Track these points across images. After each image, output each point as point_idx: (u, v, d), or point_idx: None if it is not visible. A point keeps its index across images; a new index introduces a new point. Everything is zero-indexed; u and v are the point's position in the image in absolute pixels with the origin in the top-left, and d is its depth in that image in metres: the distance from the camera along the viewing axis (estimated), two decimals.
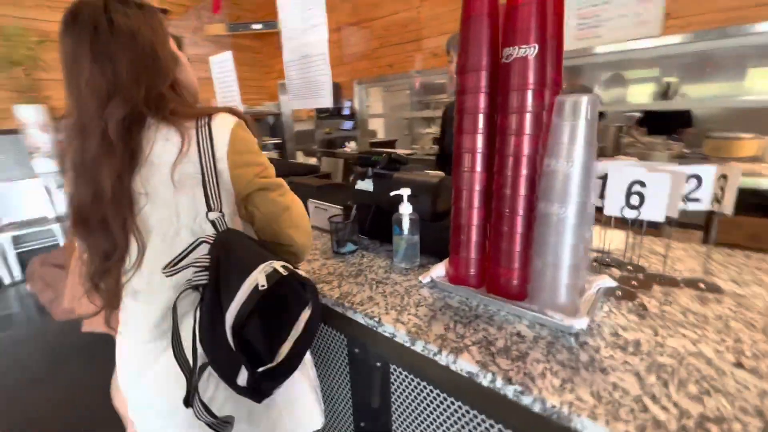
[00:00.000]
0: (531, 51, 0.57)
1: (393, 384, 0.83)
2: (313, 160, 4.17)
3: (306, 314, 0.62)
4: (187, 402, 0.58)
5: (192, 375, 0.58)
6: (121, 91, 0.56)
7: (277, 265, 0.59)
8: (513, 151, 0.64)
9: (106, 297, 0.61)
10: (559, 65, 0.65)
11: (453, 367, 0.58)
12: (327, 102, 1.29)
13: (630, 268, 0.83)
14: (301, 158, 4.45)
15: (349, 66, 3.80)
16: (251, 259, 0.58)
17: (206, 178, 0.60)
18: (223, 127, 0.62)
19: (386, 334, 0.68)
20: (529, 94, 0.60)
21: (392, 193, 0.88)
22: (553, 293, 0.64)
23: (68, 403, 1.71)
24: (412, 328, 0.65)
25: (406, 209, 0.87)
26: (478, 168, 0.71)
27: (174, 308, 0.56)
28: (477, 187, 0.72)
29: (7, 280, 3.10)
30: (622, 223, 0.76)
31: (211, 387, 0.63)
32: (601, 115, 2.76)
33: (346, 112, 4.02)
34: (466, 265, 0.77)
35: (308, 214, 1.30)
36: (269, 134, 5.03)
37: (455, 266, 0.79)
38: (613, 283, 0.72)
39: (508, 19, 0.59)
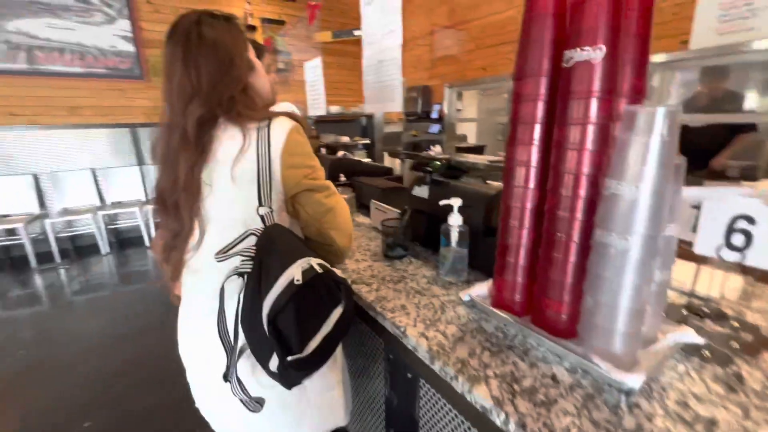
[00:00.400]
0: (597, 53, 0.49)
1: (422, 398, 0.81)
2: (397, 162, 4.25)
3: (337, 312, 0.64)
4: (226, 377, 0.64)
5: (232, 353, 0.64)
6: (201, 93, 0.64)
7: (314, 262, 0.63)
8: (571, 168, 0.56)
9: (172, 269, 0.71)
10: (642, 69, 0.54)
11: (468, 397, 0.54)
12: (398, 107, 1.30)
13: (735, 324, 0.66)
14: (386, 159, 4.58)
15: (441, 69, 3.76)
16: (291, 254, 0.62)
17: (260, 176, 0.66)
18: (280, 129, 0.68)
19: (409, 347, 0.66)
20: (593, 104, 0.52)
21: (441, 203, 0.84)
22: (604, 338, 0.54)
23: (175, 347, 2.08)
24: (434, 345, 0.62)
25: (455, 220, 0.83)
26: (532, 184, 0.64)
27: (221, 290, 0.63)
28: (529, 205, 0.65)
29: (147, 243, 3.89)
30: (736, 264, 0.61)
31: (249, 368, 0.68)
32: (753, 127, 2.21)
33: (434, 115, 3.99)
34: (510, 289, 0.70)
35: (369, 214, 1.34)
36: (360, 134, 5.29)
37: (498, 289, 0.72)
38: (699, 339, 0.58)
39: (573, 17, 0.52)
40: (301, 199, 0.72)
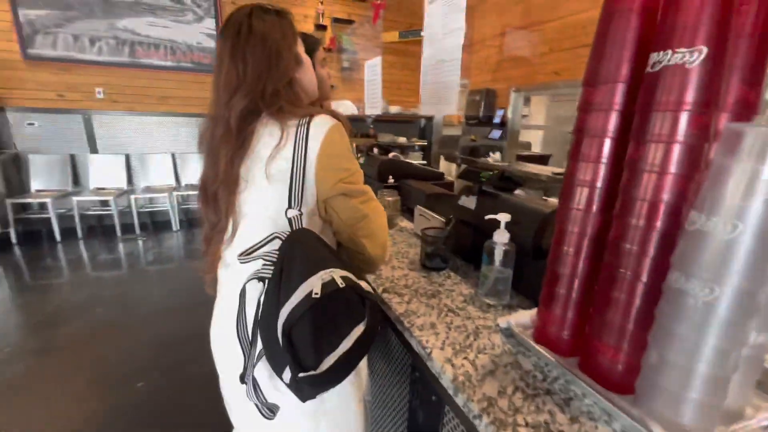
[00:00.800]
0: (693, 57, 0.40)
1: (446, 425, 0.75)
2: (453, 167, 4.13)
3: (359, 330, 0.58)
4: (242, 378, 0.63)
5: (249, 356, 0.63)
6: (245, 85, 0.64)
7: (338, 274, 0.58)
8: (646, 194, 0.47)
9: (208, 261, 0.73)
10: (757, 78, 0.43)
11: None
12: (452, 110, 1.23)
13: None
14: (442, 163, 4.48)
15: (508, 72, 3.57)
16: (314, 264, 0.58)
17: (294, 176, 0.64)
18: (319, 128, 0.65)
19: (433, 371, 0.61)
20: (683, 118, 0.42)
21: (487, 217, 0.77)
22: (670, 404, 0.45)
23: None
24: (460, 375, 0.56)
25: (500, 237, 0.76)
26: (594, 207, 0.55)
27: (242, 292, 0.62)
28: (588, 232, 0.56)
29: None
30: None
31: (268, 372, 0.66)
32: None
33: (496, 120, 3.81)
34: (558, 324, 0.62)
35: (413, 220, 1.29)
36: (418, 136, 5.24)
37: (543, 321, 0.64)
38: None
39: (667, 12, 0.43)
40: (334, 203, 0.69)
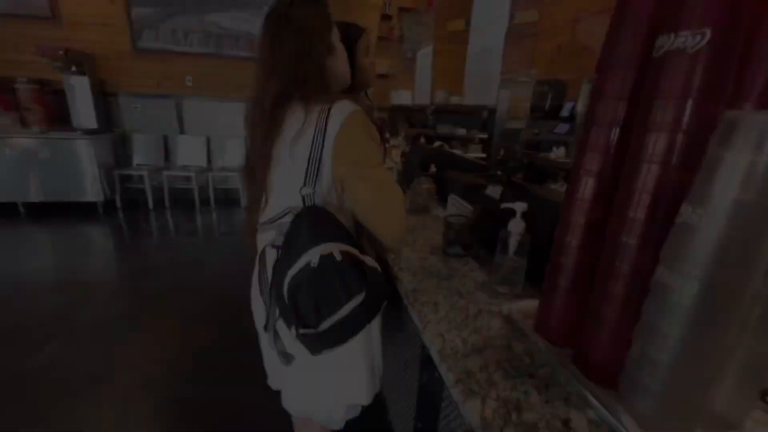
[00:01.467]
0: (695, 41, 0.38)
1: (444, 401, 0.79)
2: None
3: (356, 301, 0.62)
4: (265, 328, 0.74)
5: (270, 310, 0.73)
6: (280, 70, 0.70)
7: (337, 249, 0.63)
8: (645, 185, 0.45)
9: (248, 227, 0.83)
10: None
11: (461, 408, 0.51)
12: (491, 99, 1.21)
13: None
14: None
15: (582, 61, 3.29)
16: (317, 237, 0.64)
17: (312, 157, 0.69)
18: (339, 113, 0.69)
19: (425, 343, 0.65)
20: (684, 107, 0.40)
21: (503, 206, 0.78)
22: (645, 401, 0.44)
23: None
24: (447, 348, 0.60)
25: (515, 227, 0.76)
26: (599, 198, 0.54)
27: (261, 256, 0.71)
28: (592, 223, 0.55)
29: None
30: None
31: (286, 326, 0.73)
32: None
33: (564, 113, 3.54)
34: (556, 315, 0.62)
35: (444, 208, 1.31)
36: (479, 128, 5.07)
37: (543, 311, 0.64)
38: None
39: None
40: (349, 185, 0.72)
